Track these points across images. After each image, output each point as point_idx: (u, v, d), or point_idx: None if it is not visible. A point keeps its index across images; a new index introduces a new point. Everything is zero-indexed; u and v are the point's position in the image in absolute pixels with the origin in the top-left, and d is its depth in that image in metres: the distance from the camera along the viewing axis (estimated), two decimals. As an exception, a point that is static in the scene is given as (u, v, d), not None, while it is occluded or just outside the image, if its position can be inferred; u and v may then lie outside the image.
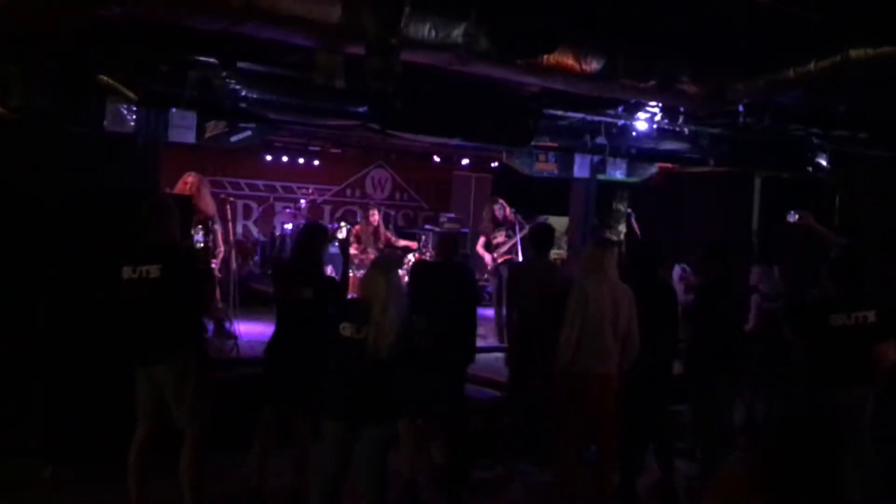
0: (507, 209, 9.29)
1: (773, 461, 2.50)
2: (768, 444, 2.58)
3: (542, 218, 10.11)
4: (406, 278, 9.38)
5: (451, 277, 5.67)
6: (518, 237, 8.92)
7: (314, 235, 5.25)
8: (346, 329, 4.15)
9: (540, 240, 6.16)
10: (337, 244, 9.82)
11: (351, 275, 8.75)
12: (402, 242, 10.42)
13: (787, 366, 6.19)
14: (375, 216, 10.09)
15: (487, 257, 9.16)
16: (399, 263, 4.58)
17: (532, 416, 5.83)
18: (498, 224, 9.23)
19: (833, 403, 4.94)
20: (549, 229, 6.37)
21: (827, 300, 5.06)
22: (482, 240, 9.39)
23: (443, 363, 5.21)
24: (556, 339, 5.06)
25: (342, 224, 10.04)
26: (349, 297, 6.18)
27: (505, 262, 8.95)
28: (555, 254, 10.62)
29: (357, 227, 10.28)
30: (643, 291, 5.33)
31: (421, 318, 4.96)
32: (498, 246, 9.15)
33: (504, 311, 6.28)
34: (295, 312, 4.99)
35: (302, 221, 11.78)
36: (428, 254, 9.96)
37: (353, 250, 9.79)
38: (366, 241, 9.92)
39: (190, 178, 7.59)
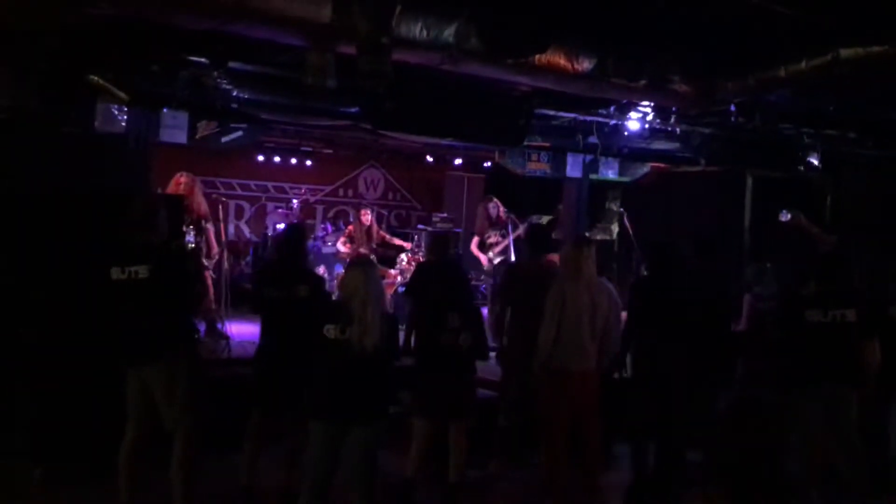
0: (501, 208, 9.29)
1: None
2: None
3: (534, 217, 10.12)
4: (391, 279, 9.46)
5: (444, 276, 5.67)
6: (511, 237, 8.92)
7: (300, 234, 5.27)
8: (330, 331, 4.15)
9: (535, 240, 6.16)
10: (330, 244, 9.86)
11: (341, 273, 8.76)
12: (397, 241, 10.42)
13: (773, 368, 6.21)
14: (367, 216, 10.08)
15: (483, 258, 9.15)
16: (375, 263, 4.59)
17: (525, 415, 5.83)
18: (492, 223, 9.22)
19: (808, 400, 4.96)
20: (545, 230, 6.37)
21: (804, 296, 5.09)
22: (476, 239, 9.38)
23: (467, 364, 5.23)
24: None
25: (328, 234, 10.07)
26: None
27: (501, 262, 8.95)
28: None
29: (350, 227, 10.28)
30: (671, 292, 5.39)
31: (455, 316, 4.98)
32: (492, 246, 9.15)
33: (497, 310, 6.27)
34: (289, 311, 4.97)
35: (294, 221, 11.79)
36: (420, 254, 9.96)
37: (345, 249, 9.79)
38: (358, 241, 9.91)
39: (183, 178, 7.57)
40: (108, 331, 4.56)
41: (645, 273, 6.17)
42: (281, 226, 11.37)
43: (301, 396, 4.85)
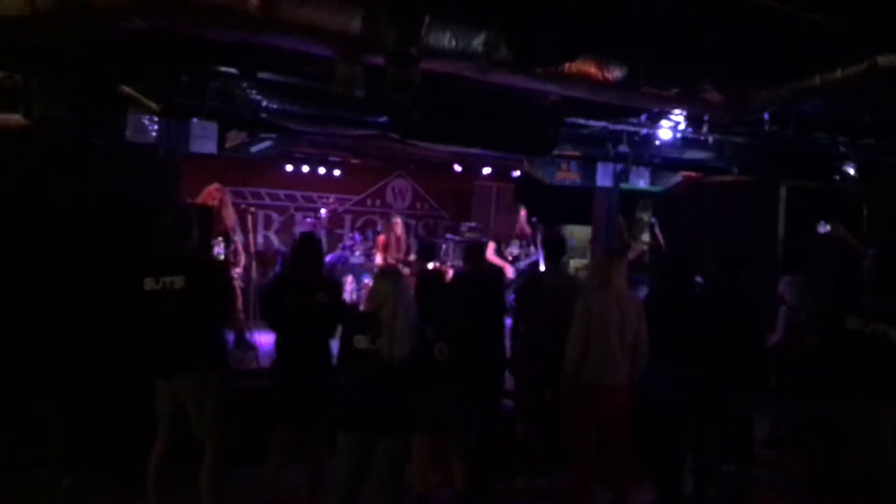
0: (524, 220, 9.15)
1: None
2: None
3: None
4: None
5: (480, 287, 5.62)
6: (541, 251, 8.79)
7: (316, 243, 5.23)
8: (360, 342, 4.13)
9: (550, 250, 6.10)
10: (358, 254, 9.83)
11: (369, 283, 8.74)
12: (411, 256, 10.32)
13: (811, 377, 6.06)
14: (400, 225, 10.05)
15: (509, 269, 9.00)
16: (403, 273, 4.52)
17: (543, 427, 5.75)
18: (515, 235, 9.10)
19: (843, 413, 4.80)
20: (559, 238, 6.30)
21: (849, 303, 4.92)
22: (492, 245, 9.28)
23: (462, 376, 5.13)
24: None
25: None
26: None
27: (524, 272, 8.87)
28: (578, 264, 10.56)
29: (382, 236, 10.26)
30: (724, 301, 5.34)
31: (430, 329, 4.90)
32: (515, 259, 9.01)
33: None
34: (308, 318, 4.92)
35: (323, 231, 11.82)
36: (448, 263, 9.92)
37: (379, 260, 9.80)
38: (392, 251, 9.91)
39: (215, 190, 7.64)
40: (139, 341, 4.57)
41: (659, 286, 6.04)
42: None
43: (324, 407, 4.83)
